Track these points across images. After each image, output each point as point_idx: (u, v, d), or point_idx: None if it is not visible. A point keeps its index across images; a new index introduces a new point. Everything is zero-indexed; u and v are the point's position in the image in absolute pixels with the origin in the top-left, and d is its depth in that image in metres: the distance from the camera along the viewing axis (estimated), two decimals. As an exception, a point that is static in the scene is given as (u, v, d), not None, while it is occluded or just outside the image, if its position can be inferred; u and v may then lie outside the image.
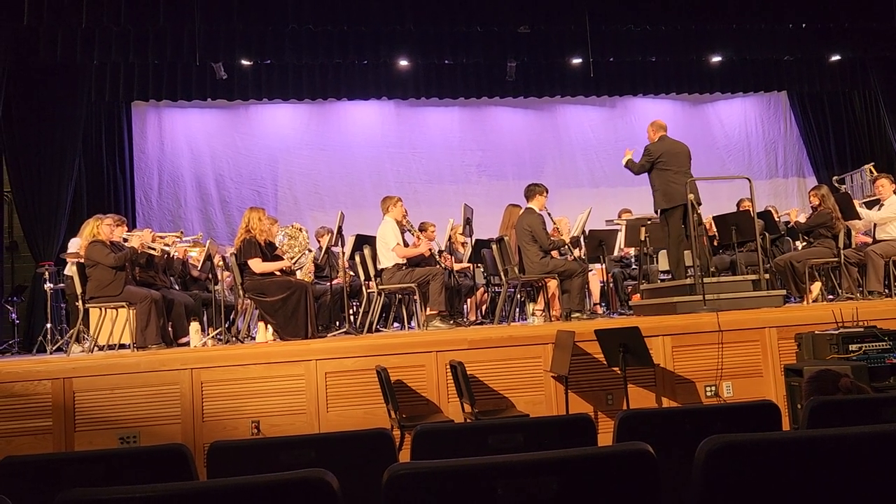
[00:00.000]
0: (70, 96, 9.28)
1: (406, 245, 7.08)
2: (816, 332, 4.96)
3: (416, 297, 6.95)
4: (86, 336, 6.82)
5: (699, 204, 6.54)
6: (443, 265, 7.57)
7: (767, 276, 6.81)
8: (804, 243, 7.58)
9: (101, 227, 6.27)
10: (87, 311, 6.43)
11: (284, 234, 7.40)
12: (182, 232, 7.81)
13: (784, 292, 6.65)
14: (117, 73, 9.66)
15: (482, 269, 8.24)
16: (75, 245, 7.46)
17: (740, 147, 12.25)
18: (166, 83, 9.88)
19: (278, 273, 6.45)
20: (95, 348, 6.37)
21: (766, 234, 7.93)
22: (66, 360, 5.42)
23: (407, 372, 5.27)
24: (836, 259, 7.03)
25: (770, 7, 9.13)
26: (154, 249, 6.73)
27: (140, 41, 8.65)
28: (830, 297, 7.37)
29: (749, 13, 9.11)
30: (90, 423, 5.01)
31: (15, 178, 9.01)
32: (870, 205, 7.81)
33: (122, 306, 6.20)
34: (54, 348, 7.31)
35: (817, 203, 7.32)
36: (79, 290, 6.23)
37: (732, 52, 10.29)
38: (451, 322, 6.84)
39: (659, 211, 6.84)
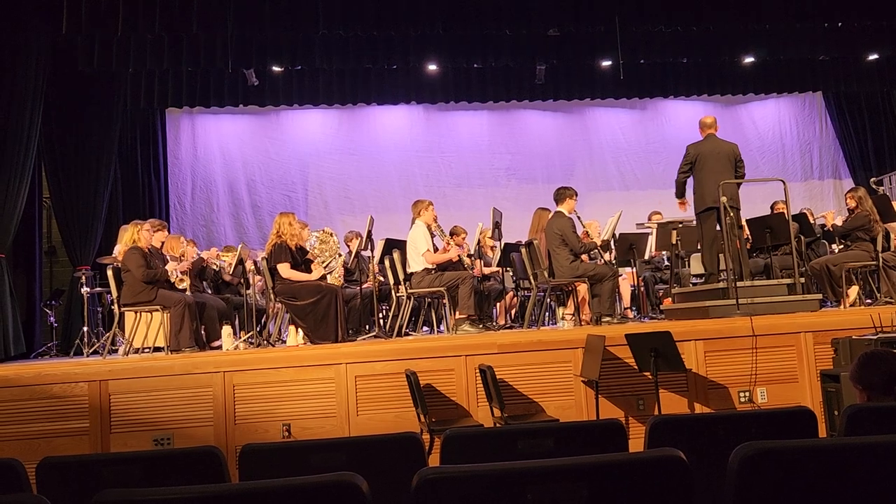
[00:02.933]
0: (106, 104, 9.47)
1: (436, 250, 7.09)
2: (854, 336, 4.86)
3: (446, 301, 6.96)
4: (121, 339, 6.96)
5: (737, 208, 6.42)
6: (471, 270, 7.57)
7: (803, 279, 6.69)
8: (841, 246, 7.43)
9: (141, 233, 6.38)
10: (122, 315, 6.55)
11: (316, 238, 7.46)
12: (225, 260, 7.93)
13: (820, 296, 6.53)
14: (152, 80, 9.85)
15: (511, 273, 8.21)
16: (118, 252, 7.64)
17: (774, 149, 12.06)
18: (199, 90, 10.03)
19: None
20: (131, 351, 6.49)
21: (802, 237, 7.79)
22: (103, 363, 5.52)
23: (436, 376, 5.27)
24: (874, 262, 6.88)
25: (805, 6, 8.96)
26: (185, 276, 6.81)
27: (174, 49, 8.80)
28: (868, 301, 7.21)
29: (783, 13, 8.95)
30: (125, 425, 5.10)
31: (53, 185, 9.22)
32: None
33: (157, 310, 6.31)
34: (91, 351, 7.45)
35: (854, 205, 7.18)
36: (114, 294, 6.36)
37: (766, 52, 10.12)
38: (481, 326, 6.84)
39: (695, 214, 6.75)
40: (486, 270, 8.17)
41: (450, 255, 7.10)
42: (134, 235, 6.37)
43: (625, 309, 8.05)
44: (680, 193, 6.80)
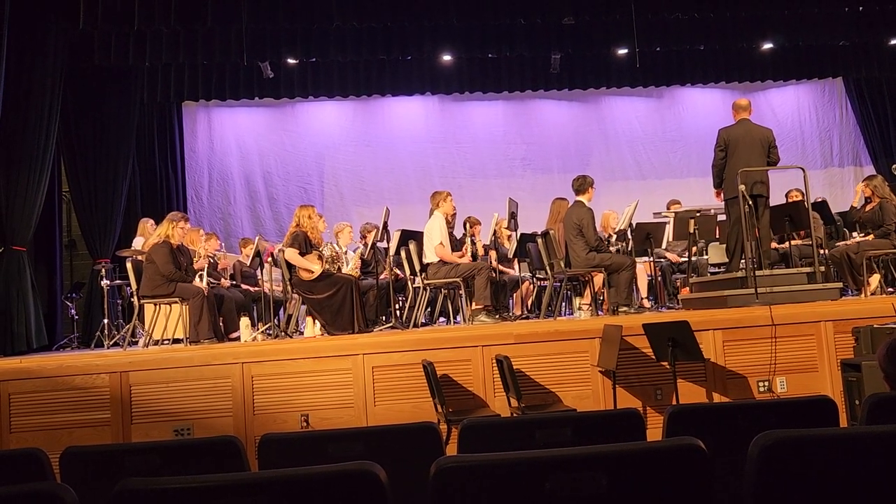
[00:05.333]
0: (123, 98, 9.54)
1: (453, 243, 7.09)
2: (875, 325, 4.81)
3: (462, 291, 6.96)
4: (141, 331, 7.03)
5: (765, 196, 6.32)
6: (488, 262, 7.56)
7: (823, 268, 6.61)
8: (861, 234, 7.34)
9: (176, 230, 6.41)
10: (141, 307, 6.62)
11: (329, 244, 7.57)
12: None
13: (840, 285, 6.45)
14: (168, 74, 9.90)
15: (528, 263, 8.20)
16: (138, 244, 7.70)
17: (793, 136, 11.90)
18: (215, 83, 10.08)
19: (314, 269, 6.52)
20: (151, 343, 6.55)
21: (825, 225, 7.69)
22: (123, 355, 5.59)
23: (453, 366, 5.28)
24: (895, 250, 6.78)
25: (825, -10, 8.83)
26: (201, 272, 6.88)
27: (189, 42, 8.84)
28: (890, 289, 7.12)
29: (802, -3, 8.83)
30: (146, 416, 5.16)
31: (72, 179, 9.31)
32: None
33: (176, 302, 6.37)
34: (111, 343, 7.54)
35: (870, 193, 7.10)
36: (134, 286, 6.42)
37: (784, 38, 9.97)
38: (497, 316, 6.83)
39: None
40: (501, 267, 8.15)
41: (460, 261, 7.06)
42: (168, 231, 6.41)
43: (641, 299, 8.01)
44: (717, 182, 6.56)
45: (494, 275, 7.56)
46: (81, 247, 9.68)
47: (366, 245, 8.20)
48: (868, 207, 7.27)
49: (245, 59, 8.88)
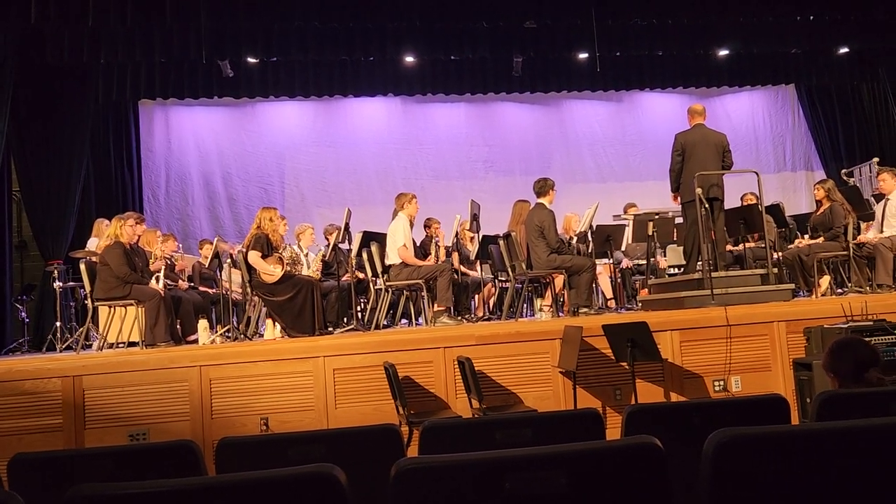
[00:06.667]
0: (77, 96, 9.32)
1: (415, 250, 7.08)
2: (825, 325, 4.94)
3: (424, 293, 6.96)
4: (95, 334, 6.87)
5: (720, 199, 6.45)
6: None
7: (776, 270, 6.77)
8: (813, 237, 7.54)
9: (125, 229, 6.26)
10: (95, 310, 6.46)
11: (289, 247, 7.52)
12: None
13: (793, 286, 6.62)
14: (124, 72, 9.69)
15: (490, 264, 8.23)
16: (93, 245, 7.51)
17: (748, 141, 12.19)
18: (173, 82, 9.91)
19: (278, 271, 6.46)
20: (105, 346, 6.40)
21: (776, 228, 7.88)
22: (76, 358, 5.45)
23: (415, 368, 5.27)
24: (845, 252, 6.99)
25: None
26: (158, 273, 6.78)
27: (146, 40, 8.68)
28: (839, 290, 7.33)
29: (756, 6, 9.06)
30: (100, 421, 5.04)
31: (24, 178, 9.06)
32: (877, 199, 7.77)
33: (131, 304, 6.24)
34: (64, 346, 7.34)
35: (822, 196, 7.30)
36: (88, 288, 6.27)
37: (740, 45, 10.23)
38: (459, 318, 6.85)
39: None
40: (463, 269, 8.17)
41: (424, 264, 7.05)
42: (117, 230, 6.25)
43: (608, 300, 8.09)
44: (674, 186, 6.68)
45: (456, 276, 7.58)
46: (33, 248, 9.42)
47: (327, 246, 8.14)
48: (819, 210, 7.48)
49: (204, 58, 8.76)
